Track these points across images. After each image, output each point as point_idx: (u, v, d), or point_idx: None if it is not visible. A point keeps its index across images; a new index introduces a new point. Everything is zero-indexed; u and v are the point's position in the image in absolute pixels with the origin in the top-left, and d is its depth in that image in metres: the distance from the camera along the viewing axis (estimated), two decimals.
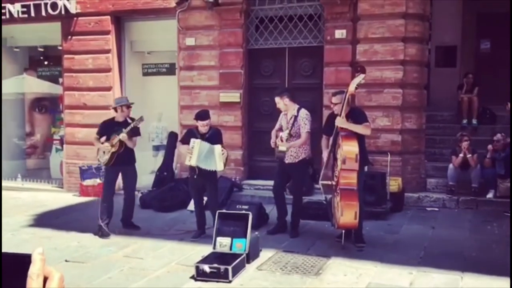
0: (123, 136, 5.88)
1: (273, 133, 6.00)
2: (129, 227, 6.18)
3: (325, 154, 5.53)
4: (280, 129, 5.94)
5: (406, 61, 7.48)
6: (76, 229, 6.28)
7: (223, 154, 5.65)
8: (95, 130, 8.82)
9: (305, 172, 6.07)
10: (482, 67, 9.78)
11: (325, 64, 7.85)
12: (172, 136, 8.65)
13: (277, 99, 5.80)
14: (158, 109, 9.56)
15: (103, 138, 6.05)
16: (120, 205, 6.22)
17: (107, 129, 6.13)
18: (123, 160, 6.04)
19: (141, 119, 6.04)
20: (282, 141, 5.64)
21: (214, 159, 5.60)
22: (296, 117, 5.78)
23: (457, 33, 10.13)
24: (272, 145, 5.88)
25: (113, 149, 5.98)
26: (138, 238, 5.87)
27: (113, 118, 6.27)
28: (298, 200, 6.00)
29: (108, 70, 9.02)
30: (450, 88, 9.60)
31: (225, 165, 5.74)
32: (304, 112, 5.81)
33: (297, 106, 5.85)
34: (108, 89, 9.06)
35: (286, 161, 5.83)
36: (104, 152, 6.04)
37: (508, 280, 4.24)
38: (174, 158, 8.72)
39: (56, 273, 0.75)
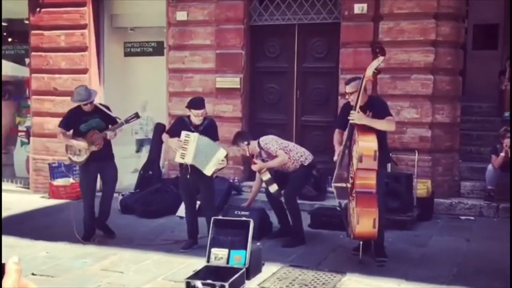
0: (110, 135, 6.01)
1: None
2: (103, 231, 6.29)
3: (337, 151, 5.53)
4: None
5: (438, 42, 7.47)
6: (44, 237, 6.30)
7: (222, 162, 5.70)
8: None
9: (303, 176, 6.23)
10: None
11: (342, 45, 7.85)
12: (159, 129, 8.62)
13: (240, 150, 6.27)
14: (143, 96, 9.56)
15: (70, 133, 6.12)
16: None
17: (75, 120, 6.14)
18: (102, 155, 6.11)
19: (136, 116, 6.13)
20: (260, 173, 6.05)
21: (210, 161, 5.65)
22: (260, 151, 6.11)
23: (500, 9, 10.11)
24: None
25: (95, 148, 6.06)
26: (118, 248, 5.90)
27: (80, 106, 6.18)
28: (293, 202, 6.14)
29: (83, 49, 9.02)
30: (491, 75, 9.61)
31: (214, 173, 5.84)
32: (262, 141, 6.14)
33: (255, 142, 6.15)
34: (84, 71, 9.06)
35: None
36: (79, 150, 6.09)
37: None
38: (161, 154, 8.74)
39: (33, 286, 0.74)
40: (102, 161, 6.15)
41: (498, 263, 5.37)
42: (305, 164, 6.08)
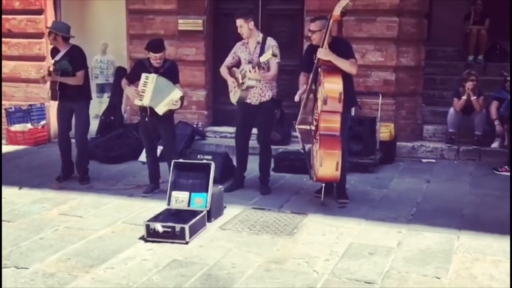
0: (46, 77, 6.09)
1: (225, 71, 5.79)
2: (80, 179, 6.26)
3: (299, 93, 5.42)
4: (236, 64, 5.78)
5: None
6: (2, 182, 6.15)
7: (175, 103, 5.56)
8: (23, 63, 8.81)
9: (273, 114, 5.96)
10: None
11: None
12: (120, 73, 8.39)
13: (240, 22, 5.57)
14: (102, 39, 9.28)
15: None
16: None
17: (52, 57, 6.24)
18: (70, 96, 6.09)
19: (57, 62, 6.03)
20: (252, 71, 5.34)
21: (162, 100, 5.51)
22: (262, 44, 5.61)
23: None
24: (232, 84, 5.71)
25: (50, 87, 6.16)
26: (77, 193, 5.81)
27: None
28: (267, 148, 5.92)
29: None
30: (456, 19, 9.55)
31: (165, 114, 5.61)
32: (273, 40, 5.68)
33: (261, 33, 5.71)
34: (39, 12, 8.71)
35: (250, 102, 5.69)
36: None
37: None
38: (122, 99, 8.55)
39: None
40: (70, 102, 6.15)
41: (455, 203, 5.49)
42: (274, 98, 5.80)
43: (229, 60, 5.84)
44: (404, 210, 5.26)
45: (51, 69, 6.02)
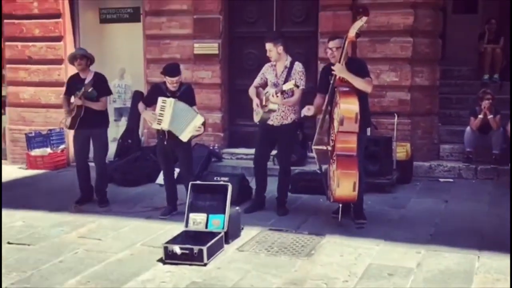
0: (76, 101, 6.07)
1: (252, 91, 5.86)
2: (97, 199, 6.34)
3: (308, 109, 5.38)
4: (264, 85, 5.84)
5: (418, 4, 7.38)
6: (21, 206, 6.23)
7: (198, 129, 5.61)
8: (43, 89, 8.97)
9: (295, 136, 5.99)
10: (509, 12, 9.68)
11: (321, 8, 7.73)
12: (137, 96, 8.48)
13: (269, 46, 5.63)
14: (120, 63, 9.37)
15: (72, 98, 6.22)
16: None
17: (71, 86, 6.30)
18: (89, 123, 6.14)
19: (89, 85, 6.03)
20: (274, 96, 5.42)
21: (186, 126, 5.56)
22: (289, 69, 5.66)
23: None
24: (256, 106, 5.76)
25: (72, 114, 6.16)
26: (96, 216, 5.85)
27: (78, 73, 6.37)
28: (287, 170, 5.95)
29: (57, 15, 8.82)
30: (470, 38, 9.56)
31: (190, 139, 5.71)
32: (300, 66, 5.72)
33: (289, 57, 5.75)
34: (58, 39, 8.88)
35: (272, 123, 5.73)
36: (67, 116, 6.29)
37: None
38: (140, 122, 8.63)
39: None
40: (89, 128, 6.20)
41: (475, 223, 5.43)
42: (296, 121, 5.82)
43: (257, 81, 5.91)
44: (422, 230, 5.21)
45: (87, 92, 6.02)
